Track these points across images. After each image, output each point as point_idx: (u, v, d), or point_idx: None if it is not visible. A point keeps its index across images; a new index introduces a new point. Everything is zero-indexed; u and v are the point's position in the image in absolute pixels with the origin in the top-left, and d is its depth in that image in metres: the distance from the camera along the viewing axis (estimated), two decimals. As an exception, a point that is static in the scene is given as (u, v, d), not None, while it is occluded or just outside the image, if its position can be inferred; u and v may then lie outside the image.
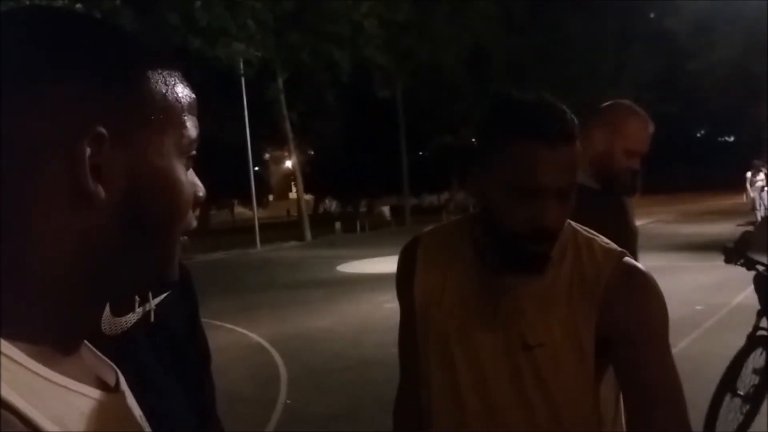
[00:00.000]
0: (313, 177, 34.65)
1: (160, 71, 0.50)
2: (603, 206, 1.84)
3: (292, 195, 43.01)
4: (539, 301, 1.06)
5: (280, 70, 21.28)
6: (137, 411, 0.56)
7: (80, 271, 0.47)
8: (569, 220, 1.10)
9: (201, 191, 0.54)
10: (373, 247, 17.65)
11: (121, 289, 0.54)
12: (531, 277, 1.06)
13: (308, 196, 36.45)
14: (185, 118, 0.52)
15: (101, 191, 0.46)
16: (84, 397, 0.47)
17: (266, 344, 6.72)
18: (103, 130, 0.45)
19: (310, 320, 7.92)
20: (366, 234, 24.96)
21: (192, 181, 0.53)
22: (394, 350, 4.90)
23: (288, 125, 22.56)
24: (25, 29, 0.46)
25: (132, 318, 1.19)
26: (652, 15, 27.79)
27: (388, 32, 21.92)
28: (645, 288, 1.05)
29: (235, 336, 7.20)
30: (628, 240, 1.86)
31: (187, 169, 0.53)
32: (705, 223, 17.75)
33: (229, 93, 20.57)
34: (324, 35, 20.12)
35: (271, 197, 51.90)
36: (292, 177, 28.70)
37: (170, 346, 1.26)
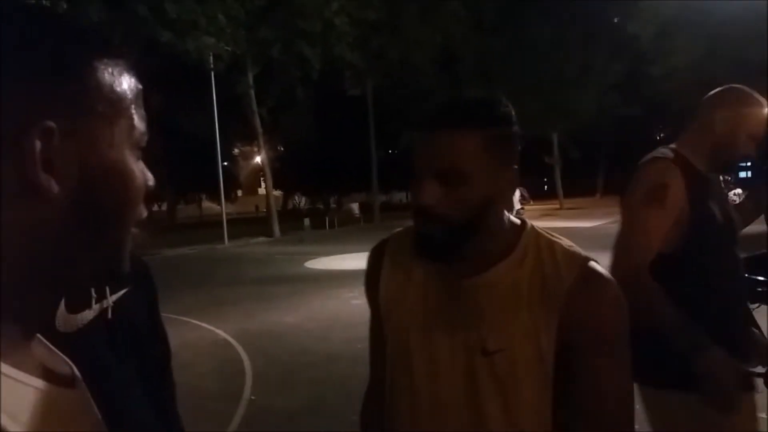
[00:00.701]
0: (283, 173, 34.50)
1: (107, 62, 0.50)
2: (716, 188, 1.89)
3: (261, 191, 42.66)
4: (500, 305, 1.03)
5: (250, 65, 21.11)
6: (94, 407, 0.55)
7: (33, 264, 0.47)
8: (532, 223, 1.10)
9: (151, 181, 0.54)
10: (342, 243, 17.70)
11: (74, 281, 0.53)
12: (491, 279, 1.04)
13: (277, 192, 36.20)
14: (134, 109, 0.52)
15: (53, 185, 0.45)
16: (36, 390, 0.46)
17: (232, 340, 6.71)
18: (51, 123, 0.45)
19: (277, 316, 7.93)
20: (335, 230, 24.97)
21: (141, 173, 0.53)
22: (361, 345, 5.05)
23: (257, 120, 22.40)
24: None
25: (88, 314, 1.17)
26: (615, 20, 28.36)
27: (359, 30, 21.93)
28: (604, 295, 1.01)
29: (200, 332, 7.17)
30: (735, 221, 1.90)
31: (138, 160, 0.53)
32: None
33: (199, 87, 20.34)
34: (295, 31, 20.03)
35: (239, 192, 51.40)
36: (261, 172, 28.47)
37: (129, 343, 1.24)
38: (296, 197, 53.21)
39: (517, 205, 13.33)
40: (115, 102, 0.50)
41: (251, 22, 19.32)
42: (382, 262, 1.20)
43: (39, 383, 0.47)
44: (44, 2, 11.55)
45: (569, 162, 34.08)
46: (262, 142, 23.65)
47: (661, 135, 50.73)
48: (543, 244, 1.07)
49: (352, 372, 5.25)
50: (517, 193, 13.38)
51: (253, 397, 4.79)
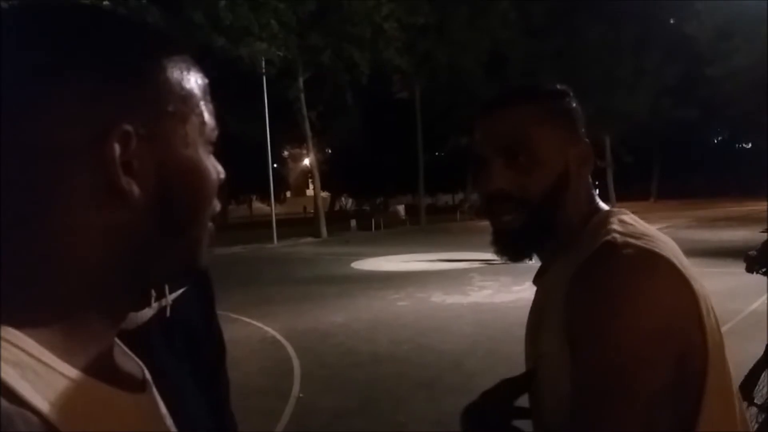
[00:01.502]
0: (330, 175, 34.81)
1: (174, 59, 0.50)
2: None
3: (309, 192, 43.18)
4: (551, 306, 0.92)
5: (301, 70, 21.47)
6: (163, 409, 0.55)
7: (117, 267, 0.47)
8: (608, 210, 0.96)
9: (222, 174, 0.54)
10: (388, 245, 17.73)
11: (155, 280, 0.54)
12: (549, 279, 0.96)
13: (325, 194, 36.59)
14: (203, 105, 0.52)
15: (134, 187, 0.46)
16: (107, 398, 0.47)
17: (281, 338, 6.82)
18: (128, 127, 0.45)
19: (324, 315, 8.02)
20: (381, 232, 25.04)
21: (214, 167, 0.53)
22: (406, 347, 5.11)
23: (307, 124, 22.75)
24: (37, 30, 0.45)
25: (148, 312, 1.20)
26: (671, 20, 27.50)
27: (408, 35, 21.98)
28: (607, 277, 0.79)
29: (250, 329, 7.31)
30: None
31: (210, 155, 0.53)
32: (720, 229, 17.59)
33: (251, 92, 20.79)
34: (345, 37, 20.24)
35: (288, 194, 52.17)
36: (310, 174, 28.85)
37: (186, 341, 1.28)
38: (343, 199, 53.63)
39: None
40: (186, 100, 0.50)
41: (302, 28, 19.65)
42: None
43: (114, 391, 0.47)
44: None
45: (622, 166, 33.19)
46: (311, 145, 23.99)
47: (719, 138, 48.81)
48: (595, 232, 0.88)
49: (398, 373, 5.28)
50: None
51: (301, 395, 4.86)
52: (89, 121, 0.44)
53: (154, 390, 0.56)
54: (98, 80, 0.45)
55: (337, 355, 6.06)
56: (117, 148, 0.44)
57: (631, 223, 0.90)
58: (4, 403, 0.38)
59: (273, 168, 23.51)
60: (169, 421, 0.55)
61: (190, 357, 1.27)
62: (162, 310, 1.24)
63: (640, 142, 34.29)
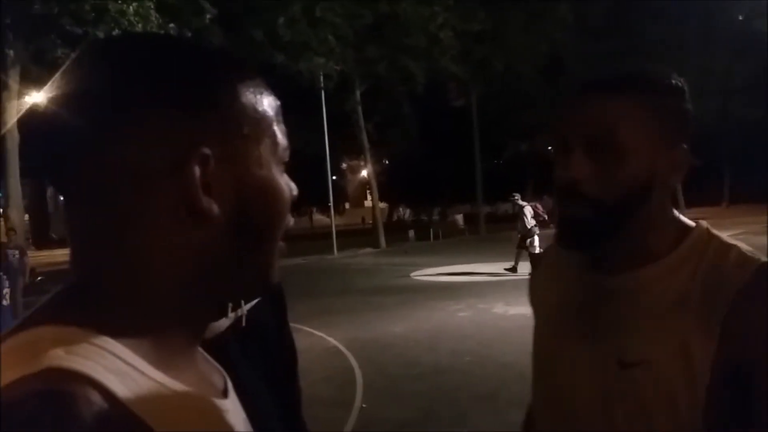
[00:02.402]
0: (388, 185, 35.03)
1: (248, 84, 0.52)
2: None
3: (368, 203, 43.55)
4: (645, 312, 0.87)
5: (357, 82, 21.78)
6: (242, 415, 0.57)
7: (196, 283, 0.50)
8: (708, 225, 0.93)
9: (295, 191, 0.56)
10: (446, 255, 17.62)
11: (230, 295, 0.56)
12: (640, 280, 0.89)
13: (383, 204, 36.79)
14: (276, 125, 0.54)
15: (214, 207, 0.48)
16: (197, 404, 0.49)
17: (343, 348, 6.90)
18: (207, 150, 0.47)
19: (385, 326, 8.05)
20: (439, 242, 24.92)
21: (287, 185, 0.55)
22: (468, 358, 5.07)
23: (364, 135, 23.00)
24: (122, 62, 0.48)
25: (224, 322, 1.24)
26: (740, 17, 26.23)
27: (463, 42, 21.91)
28: None
29: (313, 339, 7.41)
30: None
31: (283, 173, 0.55)
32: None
33: (309, 105, 21.25)
34: (400, 48, 20.40)
35: (347, 205, 52.78)
36: (368, 185, 29.10)
37: (260, 350, 1.32)
38: (401, 209, 53.77)
39: (531, 223, 12.43)
40: (259, 122, 0.51)
41: (358, 41, 19.94)
42: (538, 268, 1.11)
43: (199, 396, 0.50)
44: (171, 32, 12.63)
45: (691, 170, 31.76)
46: (368, 156, 24.22)
47: (795, 138, 45.96)
48: (714, 246, 0.88)
49: (460, 385, 5.24)
50: (529, 211, 12.50)
51: (364, 406, 4.90)
52: (172, 146, 0.47)
53: (235, 396, 0.58)
54: (179, 108, 0.48)
55: (399, 365, 6.07)
56: (197, 170, 0.47)
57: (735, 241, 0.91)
58: (109, 406, 0.41)
59: (332, 180, 23.86)
60: (248, 427, 0.58)
61: (264, 365, 1.31)
62: (238, 320, 1.28)
63: (709, 145, 32.79)
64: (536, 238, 12.26)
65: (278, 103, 0.55)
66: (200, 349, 0.58)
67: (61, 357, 0.41)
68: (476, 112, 28.84)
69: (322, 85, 19.56)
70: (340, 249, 21.66)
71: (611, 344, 0.89)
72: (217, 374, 0.59)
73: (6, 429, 0.37)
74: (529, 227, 12.47)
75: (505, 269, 12.75)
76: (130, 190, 0.47)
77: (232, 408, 0.55)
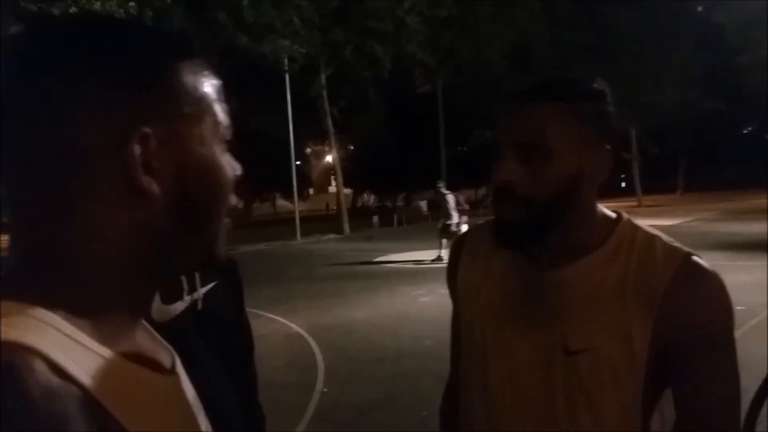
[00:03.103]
0: (353, 171, 34.92)
1: (188, 63, 0.52)
2: None
3: (332, 189, 43.40)
4: (586, 301, 0.94)
5: (323, 66, 21.54)
6: (191, 392, 0.58)
7: (138, 261, 0.50)
8: (629, 217, 1.02)
9: (238, 170, 0.57)
10: (410, 240, 17.73)
11: (175, 271, 0.58)
12: (577, 273, 0.96)
13: (347, 190, 36.71)
14: (216, 104, 0.54)
15: (155, 186, 0.49)
16: (140, 377, 0.50)
17: (304, 333, 6.89)
18: (148, 129, 0.48)
19: (348, 311, 8.07)
20: (403, 228, 25.03)
21: (229, 164, 0.56)
22: (429, 343, 5.11)
23: (329, 120, 22.82)
24: (61, 42, 0.48)
25: (180, 306, 1.23)
26: (699, 9, 26.93)
27: (430, 28, 21.87)
28: (708, 291, 0.92)
29: (275, 325, 7.39)
30: None
31: (225, 152, 0.55)
32: (747, 221, 17.17)
33: (273, 89, 20.95)
34: (367, 32, 20.24)
35: (311, 191, 52.50)
36: (332, 171, 28.99)
37: (216, 334, 1.29)
38: (365, 195, 53.76)
39: (455, 218, 12.68)
40: (200, 102, 0.52)
41: (325, 24, 19.69)
42: (461, 254, 1.15)
43: (143, 370, 0.50)
44: (131, 11, 12.23)
45: (648, 158, 32.66)
46: (333, 142, 24.07)
47: (748, 129, 47.76)
48: (640, 238, 0.98)
49: (421, 368, 5.29)
50: (452, 200, 12.75)
51: (325, 390, 4.91)
52: (112, 125, 0.47)
53: (183, 373, 0.59)
54: (119, 88, 0.48)
55: (361, 350, 6.10)
56: (137, 149, 0.48)
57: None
58: (54, 378, 0.41)
59: (296, 165, 23.66)
60: (197, 404, 0.58)
61: (220, 348, 1.30)
62: (194, 303, 1.27)
63: (667, 134, 33.72)
64: (463, 227, 12.43)
65: (219, 82, 0.55)
66: (146, 325, 0.58)
67: (4, 330, 0.41)
68: (442, 100, 28.94)
69: (286, 68, 19.27)
70: (303, 235, 21.56)
71: (555, 334, 0.95)
72: (164, 351, 0.59)
73: None
74: (451, 215, 12.71)
75: (431, 260, 12.96)
76: (72, 169, 0.47)
77: (178, 384, 0.56)
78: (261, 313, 7.82)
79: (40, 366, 0.40)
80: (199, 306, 1.27)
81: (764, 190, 25.64)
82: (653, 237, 0.98)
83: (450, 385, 1.25)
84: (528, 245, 0.99)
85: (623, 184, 39.99)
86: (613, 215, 1.02)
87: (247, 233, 21.50)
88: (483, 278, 1.07)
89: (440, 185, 13.43)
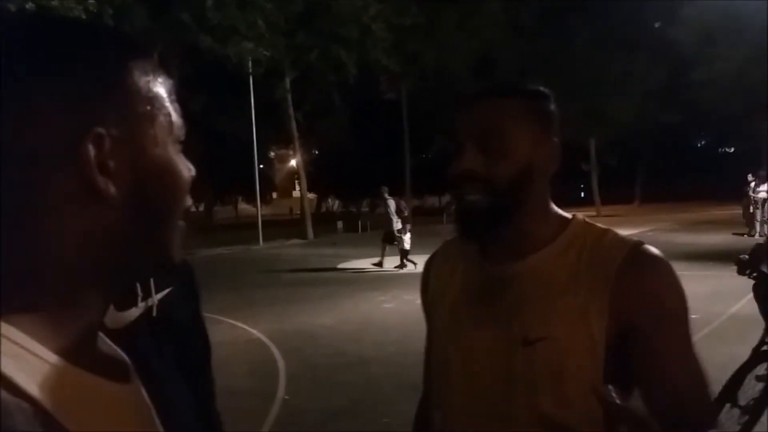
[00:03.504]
0: (317, 176, 34.76)
1: (140, 62, 0.51)
2: None
3: (296, 193, 43.11)
4: (542, 292, 1.00)
5: (288, 70, 21.42)
6: (147, 400, 0.57)
7: (97, 264, 0.49)
8: (584, 218, 1.08)
9: (192, 171, 0.56)
10: (374, 246, 17.67)
11: (130, 275, 0.56)
12: (532, 266, 1.02)
13: (311, 195, 36.56)
14: (170, 103, 0.54)
15: (111, 186, 0.48)
16: (94, 387, 0.48)
17: (266, 340, 6.81)
18: (101, 129, 0.47)
19: (311, 317, 8.02)
20: (367, 234, 24.98)
21: (184, 165, 0.55)
22: (393, 349, 5.09)
23: (294, 124, 22.68)
24: (9, 42, 0.47)
25: (135, 312, 1.21)
26: (657, 24, 27.85)
27: (396, 35, 22.01)
28: (659, 273, 0.99)
29: (236, 331, 7.29)
30: None
31: (179, 153, 0.55)
32: (702, 232, 17.80)
33: (237, 91, 20.74)
34: (332, 37, 20.23)
35: (275, 195, 52.03)
36: (296, 175, 28.81)
37: (172, 341, 1.28)
38: (330, 200, 53.59)
39: (394, 217, 12.82)
40: (152, 101, 0.51)
41: (290, 27, 19.60)
42: (430, 270, 1.22)
43: (100, 381, 0.49)
44: (91, 9, 11.92)
45: (607, 169, 33.49)
46: (297, 146, 23.93)
47: (703, 142, 49.49)
48: (592, 232, 1.05)
49: (384, 375, 5.29)
50: (392, 205, 12.97)
51: (287, 397, 4.86)
52: (65, 127, 0.46)
53: (139, 382, 0.57)
54: (70, 87, 0.47)
55: (324, 356, 6.06)
56: (92, 149, 0.46)
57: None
58: (3, 393, 0.39)
59: (259, 169, 23.43)
60: (153, 412, 0.57)
61: (176, 356, 1.28)
62: (148, 309, 1.25)
63: (625, 145, 34.65)
64: (409, 234, 12.64)
65: (172, 81, 0.55)
66: (101, 335, 0.57)
67: None
68: (407, 106, 29.10)
69: (250, 71, 19.08)
70: (266, 239, 21.33)
71: (514, 326, 0.99)
72: (119, 360, 0.58)
73: None
74: (393, 221, 12.86)
75: (373, 264, 13.14)
76: (26, 174, 0.46)
77: (132, 392, 0.55)
78: (222, 318, 7.70)
79: None
80: (154, 312, 1.25)
81: (718, 202, 26.59)
82: (605, 230, 1.05)
83: (423, 400, 1.28)
84: (488, 232, 1.03)
85: (582, 194, 40.95)
86: (568, 215, 1.10)
87: (208, 237, 21.14)
88: (447, 284, 1.13)
89: (383, 190, 13.50)
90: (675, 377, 0.97)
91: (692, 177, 43.22)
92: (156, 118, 0.52)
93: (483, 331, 1.03)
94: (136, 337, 1.18)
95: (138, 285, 1.23)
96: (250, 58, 18.21)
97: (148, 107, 0.51)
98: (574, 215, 1.10)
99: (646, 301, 0.97)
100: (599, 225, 1.08)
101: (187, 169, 0.55)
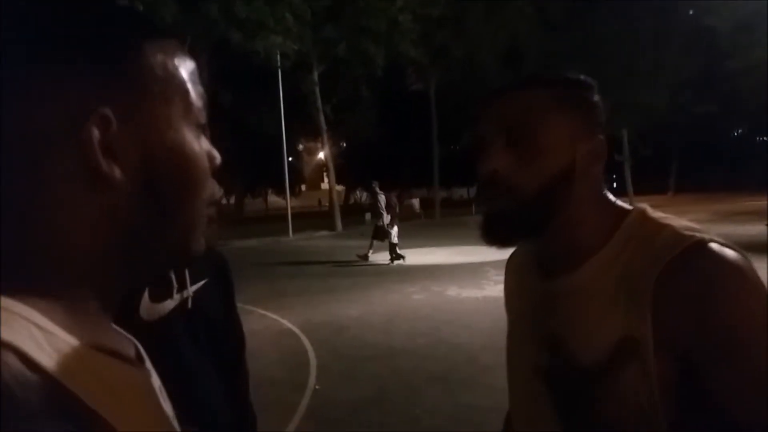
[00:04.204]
0: (345, 168, 34.89)
1: (156, 42, 0.49)
2: None
3: (324, 185, 43.29)
4: (586, 313, 0.85)
5: (315, 63, 21.51)
6: (157, 384, 0.56)
7: (108, 249, 0.48)
8: (644, 208, 0.90)
9: (217, 158, 0.53)
10: (402, 238, 17.71)
11: (147, 264, 0.53)
12: (577, 281, 0.87)
13: (340, 187, 36.68)
14: (189, 85, 0.51)
15: (116, 170, 0.46)
16: (111, 368, 0.48)
17: (297, 330, 6.86)
18: (107, 110, 0.45)
19: (340, 308, 8.05)
20: (395, 226, 25.02)
21: (207, 149, 0.52)
22: (422, 341, 5.12)
23: (322, 117, 22.78)
24: (12, 16, 0.45)
25: (170, 304, 1.23)
26: (690, 12, 27.09)
27: (423, 27, 21.88)
28: (718, 275, 0.74)
29: (266, 321, 7.36)
30: None
31: (200, 138, 0.52)
32: (738, 223, 17.29)
33: (266, 85, 20.89)
34: (360, 30, 20.21)
35: (303, 187, 52.37)
36: (325, 168, 28.93)
37: (207, 332, 1.30)
38: (358, 192, 53.70)
39: (384, 212, 12.92)
40: (168, 81, 0.49)
41: (317, 21, 19.65)
42: (507, 276, 1.12)
43: (109, 359, 0.48)
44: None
45: (640, 159, 32.84)
46: (325, 139, 24.03)
47: (738, 131, 48.12)
48: (648, 229, 0.84)
49: (414, 366, 5.29)
50: (383, 200, 12.97)
51: (317, 387, 4.89)
52: (66, 106, 0.44)
53: (149, 365, 0.56)
54: (74, 64, 0.45)
55: (353, 347, 6.08)
56: (95, 131, 0.45)
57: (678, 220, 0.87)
58: (26, 370, 0.40)
59: (288, 161, 23.59)
60: (164, 396, 0.56)
61: (210, 347, 1.29)
62: (183, 301, 1.26)
63: (658, 136, 33.93)
64: (396, 228, 12.80)
65: (195, 65, 0.53)
66: (113, 325, 0.56)
67: None
68: (435, 98, 28.95)
69: (278, 64, 19.20)
70: (295, 231, 21.49)
71: (563, 350, 0.87)
72: (129, 344, 0.57)
73: None
74: (382, 215, 12.93)
75: (358, 256, 13.18)
76: (29, 155, 0.44)
77: (144, 375, 0.54)
78: (252, 309, 7.80)
79: (11, 359, 0.39)
80: (189, 304, 1.26)
81: (754, 193, 25.82)
82: (662, 226, 0.84)
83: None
84: (514, 243, 0.93)
85: (615, 185, 40.25)
86: (627, 207, 0.91)
87: (239, 229, 21.41)
88: (515, 296, 1.05)
89: (374, 185, 13.59)
90: (738, 417, 0.74)
91: (727, 167, 42.15)
92: (171, 99, 0.49)
93: (537, 353, 0.91)
94: (172, 328, 1.20)
95: (173, 277, 1.25)
96: (278, 52, 18.33)
97: (162, 87, 0.49)
98: (634, 208, 0.90)
99: (694, 327, 0.74)
100: (660, 218, 0.87)
101: (208, 155, 0.52)
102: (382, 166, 38.16)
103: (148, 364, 0.56)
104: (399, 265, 12.45)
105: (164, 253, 0.52)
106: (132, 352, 0.55)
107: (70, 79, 0.45)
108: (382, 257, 13.17)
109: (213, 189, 0.53)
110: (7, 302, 0.42)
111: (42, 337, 0.42)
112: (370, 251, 13.07)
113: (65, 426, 0.39)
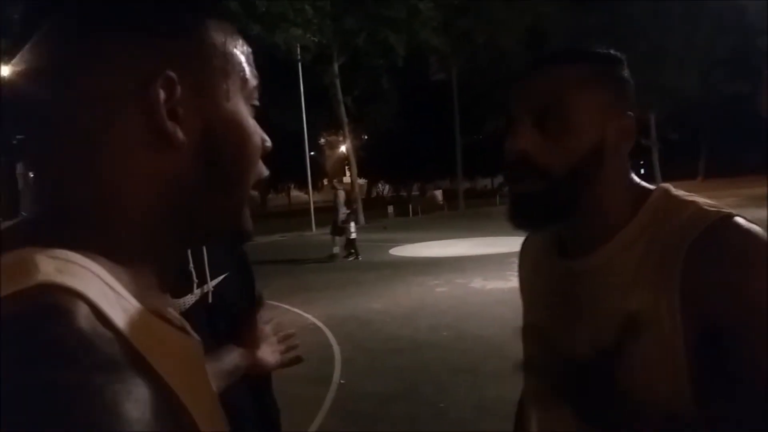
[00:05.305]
0: (367, 161, 34.89)
1: (219, 22, 0.52)
2: None
3: (346, 179, 43.39)
4: (610, 292, 0.84)
5: (336, 54, 21.49)
6: (205, 361, 0.57)
7: (166, 212, 0.49)
8: (668, 187, 0.90)
9: (268, 142, 0.55)
10: (425, 231, 17.69)
11: (200, 231, 0.54)
12: (600, 261, 0.86)
13: (362, 180, 36.72)
14: (245, 65, 0.54)
15: (179, 132, 0.47)
16: (172, 336, 0.49)
17: (321, 325, 6.88)
18: (172, 73, 0.47)
19: (364, 302, 8.05)
20: (418, 218, 24.98)
21: (258, 130, 0.54)
22: (446, 333, 5.02)
23: (343, 110, 22.79)
24: None
25: (190, 299, 1.22)
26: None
27: (444, 14, 21.69)
28: (741, 249, 0.76)
29: (290, 316, 7.39)
30: None
31: (252, 117, 0.54)
32: (774, 209, 16.86)
33: (286, 79, 20.95)
34: (380, 19, 20.14)
35: (325, 181, 52.61)
36: (347, 161, 28.95)
37: (228, 327, 1.28)
38: (380, 185, 53.77)
39: (342, 209, 13.04)
40: (228, 58, 0.52)
41: (336, 12, 19.62)
42: (522, 257, 1.09)
43: (168, 327, 0.49)
44: None
45: (668, 143, 32.19)
46: (347, 132, 24.04)
47: (772, 113, 46.69)
48: (672, 206, 0.84)
49: (439, 359, 5.24)
50: (342, 196, 13.14)
51: (342, 381, 4.89)
52: (136, 68, 0.47)
53: (199, 340, 0.58)
54: (145, 30, 0.48)
55: (378, 341, 6.06)
56: (162, 92, 0.47)
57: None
58: (98, 324, 0.40)
59: (310, 156, 23.67)
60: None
61: (232, 342, 1.28)
62: (204, 296, 1.25)
63: (687, 118, 33.21)
64: (353, 224, 13.01)
65: (250, 50, 0.55)
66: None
67: (53, 274, 0.41)
68: (457, 87, 28.72)
69: (299, 57, 19.27)
70: (318, 225, 21.58)
71: (585, 331, 0.85)
72: (180, 317, 0.57)
73: (4, 339, 0.36)
74: (340, 213, 13.06)
75: (327, 256, 13.24)
76: (96, 115, 0.46)
77: (198, 349, 0.54)
78: (276, 304, 7.83)
79: (86, 311, 0.40)
80: (210, 299, 1.26)
81: (788, 175, 25.12)
82: (687, 203, 0.84)
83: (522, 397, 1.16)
84: (544, 226, 0.91)
85: (642, 170, 39.55)
86: (650, 187, 0.90)
87: (262, 224, 21.58)
88: (533, 279, 1.02)
89: (335, 183, 13.87)
90: (761, 380, 0.74)
91: (760, 150, 41.11)
92: (230, 74, 0.51)
93: (560, 334, 0.90)
94: (193, 323, 1.19)
95: (193, 271, 1.24)
96: (298, 45, 18.36)
97: (223, 62, 0.51)
98: (658, 187, 0.90)
99: (726, 296, 0.75)
100: (683, 195, 0.86)
101: (260, 136, 0.54)
102: (405, 158, 38.12)
103: (197, 338, 0.57)
104: (424, 259, 12.37)
105: (217, 224, 0.53)
106: (185, 325, 0.55)
107: (140, 46, 0.47)
108: (380, 257, 13.13)
109: (262, 169, 0.54)
110: (82, 259, 0.43)
111: (112, 295, 0.43)
112: (335, 248, 13.24)
113: (140, 383, 0.39)
